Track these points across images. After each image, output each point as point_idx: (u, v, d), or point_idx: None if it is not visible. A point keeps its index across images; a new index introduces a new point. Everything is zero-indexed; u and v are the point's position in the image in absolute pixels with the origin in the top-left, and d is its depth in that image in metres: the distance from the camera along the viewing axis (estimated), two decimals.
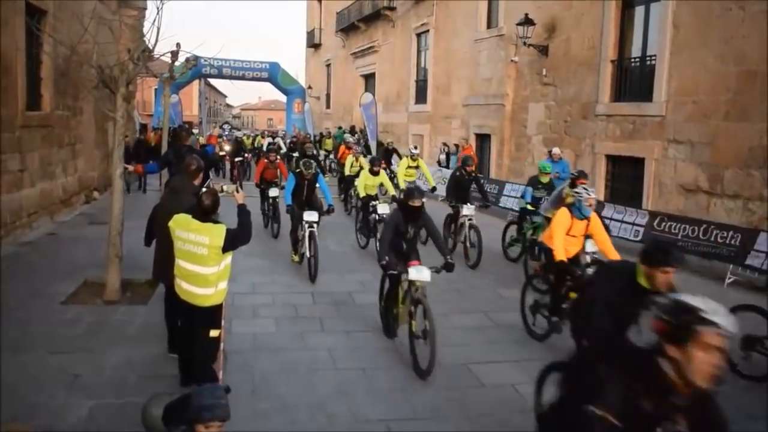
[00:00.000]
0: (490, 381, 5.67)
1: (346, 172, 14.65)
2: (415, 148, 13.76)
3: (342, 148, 18.23)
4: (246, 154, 21.24)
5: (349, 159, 14.58)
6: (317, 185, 9.62)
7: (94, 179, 15.79)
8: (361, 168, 13.98)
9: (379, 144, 22.12)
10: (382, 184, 11.32)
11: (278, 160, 12.38)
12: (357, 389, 5.41)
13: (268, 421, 4.75)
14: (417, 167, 13.04)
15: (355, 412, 4.98)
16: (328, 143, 26.64)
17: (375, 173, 11.04)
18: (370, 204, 10.61)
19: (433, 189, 12.29)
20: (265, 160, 12.28)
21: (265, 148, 22.19)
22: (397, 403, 5.17)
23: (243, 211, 4.93)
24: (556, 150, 13.79)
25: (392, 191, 10.95)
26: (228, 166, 22.68)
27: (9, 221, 10.17)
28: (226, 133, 30.22)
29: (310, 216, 8.96)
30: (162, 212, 5.63)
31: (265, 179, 12.21)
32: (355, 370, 5.79)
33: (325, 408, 5.01)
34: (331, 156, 24.28)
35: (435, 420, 4.92)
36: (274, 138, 24.31)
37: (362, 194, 11.01)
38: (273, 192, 11.77)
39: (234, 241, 4.66)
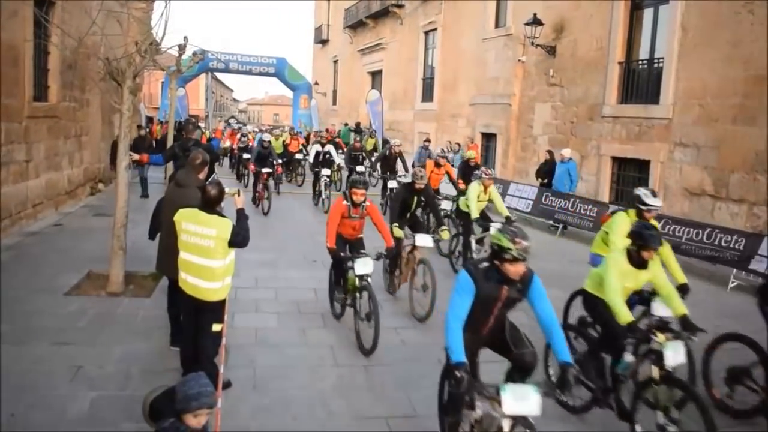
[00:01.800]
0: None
1: (473, 213, 8.78)
2: (654, 195, 6.07)
3: (430, 164, 12.17)
4: (277, 164, 15.00)
5: (475, 188, 8.91)
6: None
7: (100, 171, 15.83)
8: (491, 205, 9.34)
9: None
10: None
11: (367, 203, 6.74)
12: (358, 386, 5.42)
13: (269, 416, 4.77)
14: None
15: (355, 408, 4.99)
16: (370, 143, 20.42)
17: (642, 263, 4.77)
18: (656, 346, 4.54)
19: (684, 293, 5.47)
20: (345, 204, 6.72)
21: (310, 159, 16.12)
22: (397, 400, 5.18)
23: (242, 216, 4.94)
24: (565, 151, 13.70)
25: (680, 309, 4.82)
26: (246, 176, 17.67)
27: (14, 211, 10.21)
28: (234, 126, 26.69)
29: (522, 405, 3.63)
30: (166, 206, 5.65)
31: (344, 238, 6.99)
32: (357, 367, 5.80)
33: (325, 404, 5.02)
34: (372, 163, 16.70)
35: (435, 418, 4.92)
36: (324, 145, 16.26)
37: (625, 319, 4.53)
38: (362, 267, 6.30)
39: (235, 239, 4.67)
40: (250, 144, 18.45)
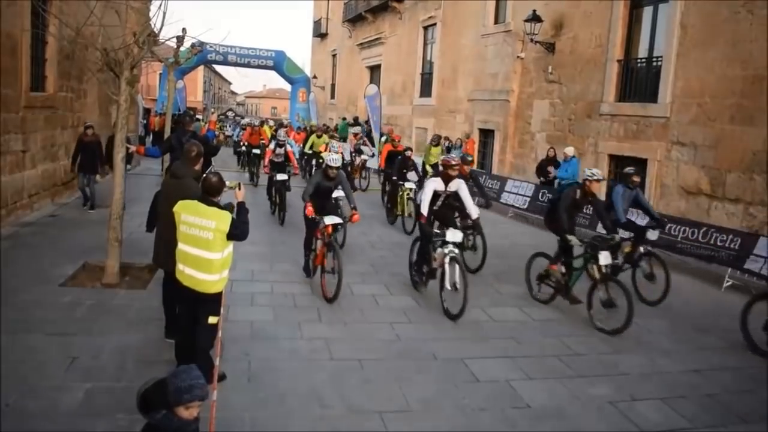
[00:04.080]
0: (484, 376, 5.69)
1: None
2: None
3: None
4: (353, 210, 7.96)
5: None
6: None
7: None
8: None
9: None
10: None
11: None
12: (352, 380, 5.43)
13: (264, 410, 4.78)
14: None
15: (349, 402, 5.00)
16: (435, 153, 15.59)
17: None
18: None
19: None
20: None
21: (421, 199, 7.79)
22: (391, 395, 5.19)
23: (242, 209, 4.93)
24: (568, 150, 13.61)
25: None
26: (278, 205, 12.47)
27: (10, 202, 10.19)
28: (252, 122, 21.58)
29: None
30: (163, 197, 5.64)
31: None
32: (351, 361, 5.81)
33: (320, 398, 5.03)
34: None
35: (429, 413, 4.94)
36: (448, 178, 7.91)
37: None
38: None
39: (234, 232, 4.67)
40: (289, 156, 12.82)
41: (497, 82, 17.99)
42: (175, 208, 4.83)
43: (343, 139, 21.46)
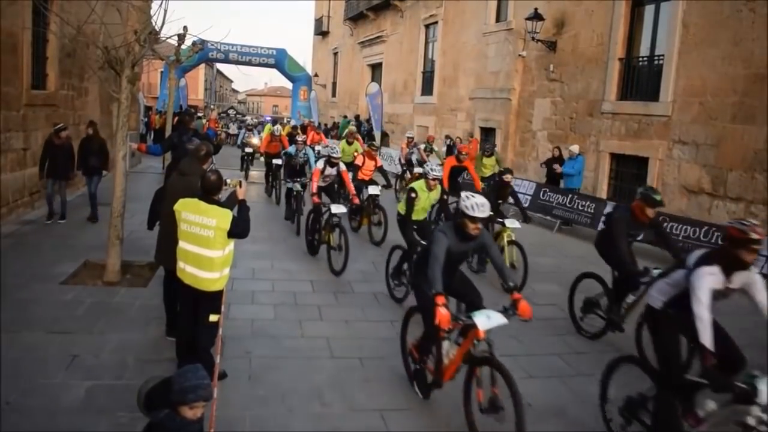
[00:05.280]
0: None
1: None
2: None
3: None
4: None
5: None
6: None
7: None
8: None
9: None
10: None
11: None
12: (353, 378, 5.43)
13: (264, 408, 4.78)
14: None
15: (350, 400, 5.01)
16: (488, 165, 13.55)
17: None
18: None
19: None
20: None
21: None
22: (392, 393, 5.19)
23: (243, 206, 4.94)
24: (574, 148, 13.58)
25: None
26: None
27: (11, 200, 10.20)
28: (271, 125, 16.79)
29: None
30: (169, 195, 5.62)
31: None
32: (352, 360, 5.82)
33: (320, 396, 5.04)
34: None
35: (429, 412, 4.94)
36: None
37: None
38: None
39: (235, 230, 4.67)
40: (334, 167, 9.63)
41: (498, 80, 17.98)
42: (176, 206, 4.82)
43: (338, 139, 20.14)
